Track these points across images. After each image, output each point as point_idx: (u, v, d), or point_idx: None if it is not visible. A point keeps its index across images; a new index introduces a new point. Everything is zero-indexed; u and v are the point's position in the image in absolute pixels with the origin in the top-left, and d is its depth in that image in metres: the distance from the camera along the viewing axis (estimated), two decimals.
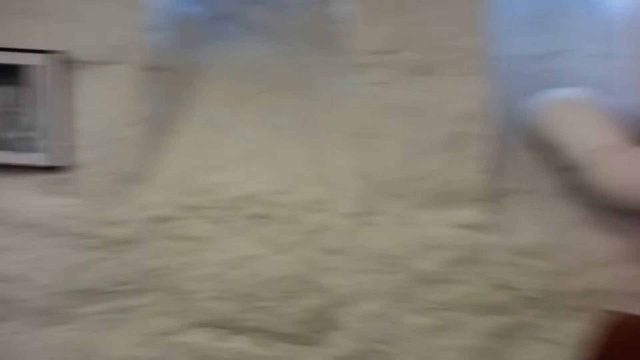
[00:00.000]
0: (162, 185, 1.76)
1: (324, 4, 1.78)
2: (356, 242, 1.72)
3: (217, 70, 1.79)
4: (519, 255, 1.66)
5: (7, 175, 1.78)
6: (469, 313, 1.68)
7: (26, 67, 1.67)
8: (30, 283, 1.83)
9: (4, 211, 1.80)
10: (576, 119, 1.62)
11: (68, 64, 1.68)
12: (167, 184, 1.76)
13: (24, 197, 1.79)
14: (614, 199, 1.55)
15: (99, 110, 1.71)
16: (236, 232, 1.74)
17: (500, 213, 1.70)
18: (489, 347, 1.67)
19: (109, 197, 1.75)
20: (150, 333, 1.81)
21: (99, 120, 1.71)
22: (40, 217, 1.79)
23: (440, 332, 1.69)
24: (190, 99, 1.77)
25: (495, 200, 1.70)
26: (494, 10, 1.61)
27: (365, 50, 1.62)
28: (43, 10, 1.67)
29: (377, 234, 1.71)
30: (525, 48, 1.76)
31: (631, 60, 1.58)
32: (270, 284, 1.74)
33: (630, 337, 1.09)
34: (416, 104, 1.65)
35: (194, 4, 1.84)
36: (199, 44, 1.79)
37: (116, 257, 1.79)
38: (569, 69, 1.73)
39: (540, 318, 1.66)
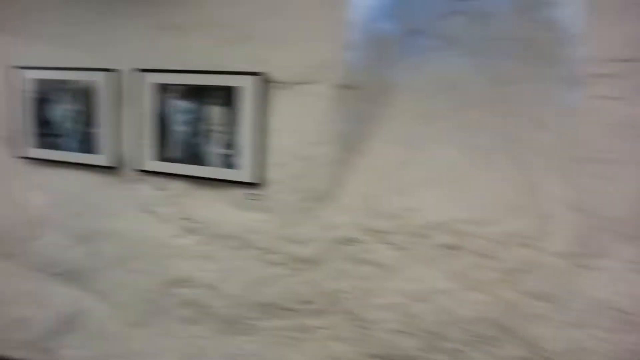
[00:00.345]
0: (348, 205, 1.70)
1: (536, 10, 1.55)
2: (571, 288, 1.43)
3: (409, 87, 1.68)
4: None
5: (208, 188, 1.90)
6: None
7: (232, 88, 1.77)
8: (219, 291, 1.92)
9: (203, 222, 1.92)
10: None
11: (267, 84, 1.73)
12: (353, 205, 1.69)
13: (221, 210, 1.89)
14: None
15: (292, 128, 1.72)
16: (423, 262, 1.59)
17: None
18: None
19: (296, 215, 1.75)
20: (327, 357, 1.75)
21: (291, 139, 1.73)
22: (233, 229, 1.87)
23: None
24: (380, 116, 1.69)
25: None
26: None
27: (599, 59, 1.35)
28: (249, 35, 1.75)
29: (600, 280, 1.40)
30: None
31: None
32: (461, 324, 1.54)
33: None
34: None
35: (387, 20, 1.76)
36: (392, 60, 1.71)
37: (299, 275, 1.78)
38: None
39: None
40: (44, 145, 2.18)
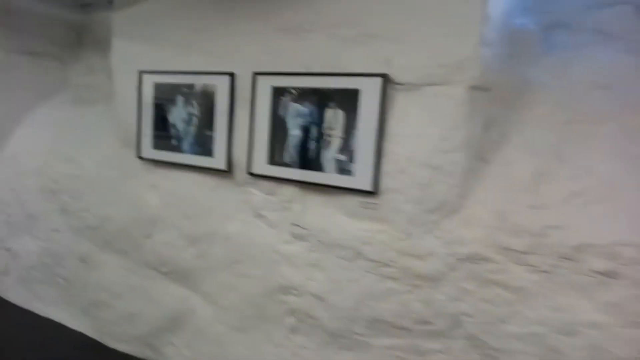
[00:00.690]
0: (476, 219, 1.53)
1: None
2: None
3: (552, 88, 1.49)
4: None
5: (320, 194, 1.83)
6: None
7: (352, 91, 1.69)
8: (326, 302, 1.83)
9: (312, 229, 1.85)
10: None
11: (389, 86, 1.62)
12: (483, 219, 1.52)
13: (332, 218, 1.81)
14: None
15: (415, 133, 1.60)
16: (571, 289, 1.38)
17: None
18: None
19: (416, 227, 1.62)
20: None
21: (413, 145, 1.60)
22: (345, 238, 1.78)
23: None
24: (517, 121, 1.51)
25: None
26: None
27: None
28: (371, 34, 1.66)
29: None
30: None
31: None
32: None
33: None
34: None
35: (526, 13, 1.58)
36: (532, 58, 1.52)
37: (416, 292, 1.64)
38: None
39: None
40: (161, 146, 2.25)
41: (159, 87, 2.23)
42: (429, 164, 1.58)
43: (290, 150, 1.86)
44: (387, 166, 1.66)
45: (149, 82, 2.26)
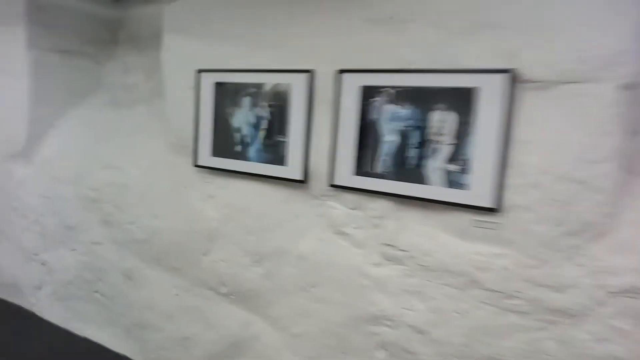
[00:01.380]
0: (631, 244, 1.27)
1: None
2: None
3: None
4: None
5: (420, 210, 1.58)
6: None
7: (465, 90, 1.44)
8: (428, 336, 1.58)
9: (410, 250, 1.60)
10: None
11: (515, 84, 1.36)
12: (636, 245, 1.26)
13: (436, 238, 1.55)
14: None
15: (550, 140, 1.34)
16: None
17: None
18: None
19: (552, 253, 1.36)
20: None
21: (548, 154, 1.34)
22: (453, 263, 1.52)
23: None
24: None
25: None
26: None
27: None
28: (490, 23, 1.40)
29: None
30: None
31: None
32: None
33: None
34: None
35: None
36: None
37: (550, 329, 1.38)
38: None
39: None
40: (222, 153, 2.00)
41: (220, 88, 1.98)
42: (570, 176, 1.32)
43: (384, 159, 1.61)
44: (513, 179, 1.40)
45: (209, 81, 2.01)
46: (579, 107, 1.30)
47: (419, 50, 1.53)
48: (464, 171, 1.46)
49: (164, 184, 2.26)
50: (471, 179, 1.45)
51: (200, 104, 2.05)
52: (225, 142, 1.99)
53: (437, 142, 1.51)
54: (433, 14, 1.51)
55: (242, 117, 1.93)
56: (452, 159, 1.48)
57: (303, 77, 1.76)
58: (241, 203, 2.00)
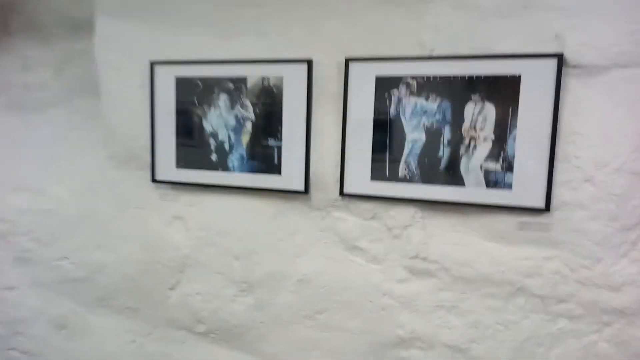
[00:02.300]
0: None
1: None
2: None
3: None
4: None
5: (451, 215, 1.40)
6: None
7: (503, 78, 1.29)
8: (468, 354, 1.42)
9: (441, 261, 1.42)
10: None
11: (563, 70, 1.24)
12: None
13: (472, 245, 1.39)
14: None
15: (603, 131, 1.24)
16: None
17: None
18: None
19: (607, 250, 1.27)
20: None
21: (601, 146, 1.24)
22: (496, 271, 1.37)
23: None
24: None
25: None
26: None
27: None
28: (528, 3, 1.26)
29: None
30: None
31: None
32: None
33: None
34: None
35: None
36: None
37: (604, 331, 1.30)
38: None
39: None
40: (192, 164, 1.63)
41: (184, 84, 1.61)
42: (627, 169, 1.23)
43: (408, 160, 1.40)
44: (563, 175, 1.28)
45: (168, 76, 1.62)
46: (633, 93, 1.21)
47: (447, 33, 1.35)
48: (506, 169, 1.31)
49: (108, 207, 1.80)
50: (515, 177, 1.31)
51: (156, 105, 1.65)
52: (196, 150, 1.62)
53: (473, 138, 1.34)
54: None
55: (217, 119, 1.58)
56: (492, 156, 1.32)
57: (300, 68, 1.47)
58: (221, 223, 1.66)
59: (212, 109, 1.59)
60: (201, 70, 1.58)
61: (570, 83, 1.26)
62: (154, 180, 1.69)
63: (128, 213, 1.77)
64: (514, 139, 1.30)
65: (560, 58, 1.24)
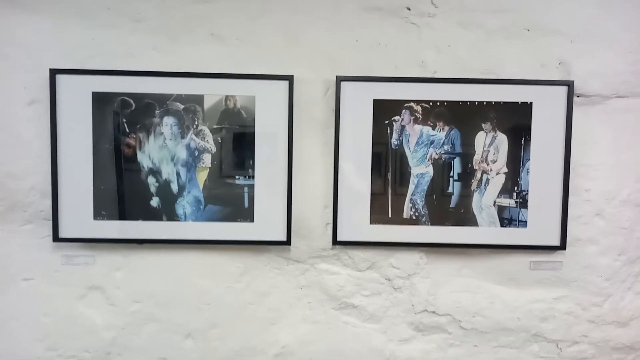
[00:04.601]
0: None
1: None
2: None
3: None
4: None
5: (459, 259, 1.24)
6: None
7: (513, 105, 1.18)
8: None
9: (453, 310, 1.24)
10: None
11: (569, 97, 1.18)
12: None
13: (481, 290, 1.25)
14: None
15: (609, 162, 1.21)
16: None
17: None
18: None
19: (615, 285, 1.24)
20: None
21: (608, 177, 1.22)
22: (508, 318, 1.24)
23: None
24: None
25: None
26: None
27: None
28: (538, 26, 1.18)
29: None
30: None
31: None
32: None
33: None
34: None
35: None
36: None
37: None
38: None
39: None
40: (121, 212, 1.18)
41: (107, 101, 1.16)
42: (633, 200, 1.22)
43: (415, 198, 1.20)
44: (575, 209, 1.21)
45: (80, 91, 1.15)
46: (633, 123, 1.20)
47: (447, 54, 1.19)
48: (520, 205, 1.19)
49: None
50: (530, 213, 1.20)
51: (59, 130, 1.16)
52: (127, 194, 1.17)
53: (486, 171, 1.19)
54: (463, 8, 1.18)
55: (160, 151, 1.17)
56: (505, 191, 1.20)
57: (278, 86, 1.16)
58: (164, 290, 1.22)
59: (152, 138, 1.16)
60: (134, 84, 1.15)
61: (577, 112, 1.20)
62: (56, 238, 1.17)
63: (11, 290, 1.21)
64: (527, 171, 1.19)
65: (570, 86, 1.17)
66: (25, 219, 1.19)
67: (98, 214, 1.17)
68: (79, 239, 1.18)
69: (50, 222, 1.17)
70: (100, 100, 1.15)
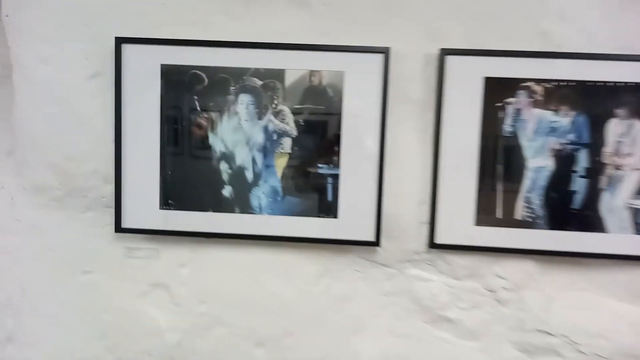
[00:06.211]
0: None
1: None
2: None
3: None
4: None
5: (584, 271, 1.04)
6: None
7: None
8: None
9: (570, 331, 1.04)
10: None
11: None
12: None
13: (612, 310, 1.04)
14: None
15: None
16: None
17: None
18: None
19: None
20: None
21: None
22: (635, 341, 1.03)
23: None
24: None
25: None
26: None
27: None
28: None
29: None
30: None
31: None
32: None
33: None
34: None
35: None
36: None
37: None
38: None
39: None
40: (190, 203, 1.05)
41: (177, 75, 1.02)
42: None
43: (531, 196, 1.00)
44: None
45: (149, 63, 1.02)
46: None
47: (575, 25, 0.98)
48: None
49: (31, 273, 1.11)
50: None
51: (124, 106, 1.03)
52: (196, 181, 1.04)
53: (617, 167, 0.98)
54: None
55: (234, 134, 1.03)
56: None
57: (371, 60, 0.99)
58: (234, 290, 1.09)
59: (225, 118, 1.02)
60: (207, 56, 1.01)
61: None
62: (119, 228, 1.05)
63: (69, 282, 1.10)
64: None
65: None
66: (86, 206, 1.08)
67: (164, 203, 1.05)
68: (143, 230, 1.06)
69: (112, 210, 1.05)
70: (169, 74, 1.02)
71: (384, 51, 0.99)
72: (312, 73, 1.00)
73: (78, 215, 1.08)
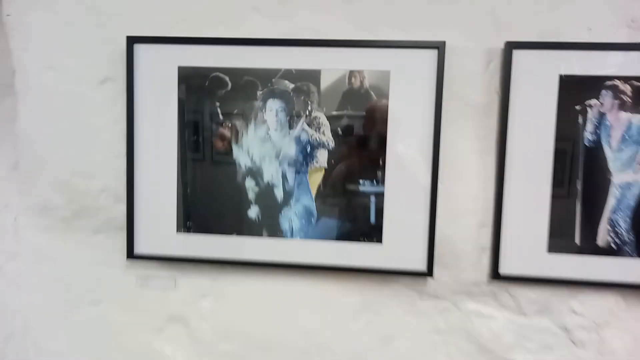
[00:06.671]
0: None
1: None
2: None
3: None
4: None
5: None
6: None
7: None
8: None
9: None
10: None
11: None
12: None
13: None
14: None
15: None
16: None
17: None
18: None
19: None
20: None
21: None
22: None
23: None
24: None
25: None
26: None
27: None
28: None
29: None
30: None
31: None
32: None
33: None
34: None
35: None
36: None
37: None
38: None
39: None
40: (211, 225, 0.91)
41: (196, 78, 0.88)
42: None
43: (616, 217, 0.83)
44: None
45: (164, 64, 0.89)
46: None
47: None
48: None
49: (31, 304, 0.98)
50: None
51: (136, 114, 0.90)
52: (218, 201, 0.90)
53: None
54: None
55: (261, 145, 0.88)
56: None
57: (422, 57, 0.84)
58: (264, 325, 0.94)
59: (252, 127, 0.88)
60: (230, 55, 0.87)
61: None
62: (131, 254, 0.92)
63: (76, 316, 0.97)
64: None
65: None
66: (95, 228, 0.95)
67: (182, 226, 0.91)
68: (159, 257, 0.92)
69: (124, 233, 0.92)
70: (188, 77, 0.89)
71: (438, 46, 0.83)
72: (351, 74, 0.86)
73: (86, 238, 0.96)
